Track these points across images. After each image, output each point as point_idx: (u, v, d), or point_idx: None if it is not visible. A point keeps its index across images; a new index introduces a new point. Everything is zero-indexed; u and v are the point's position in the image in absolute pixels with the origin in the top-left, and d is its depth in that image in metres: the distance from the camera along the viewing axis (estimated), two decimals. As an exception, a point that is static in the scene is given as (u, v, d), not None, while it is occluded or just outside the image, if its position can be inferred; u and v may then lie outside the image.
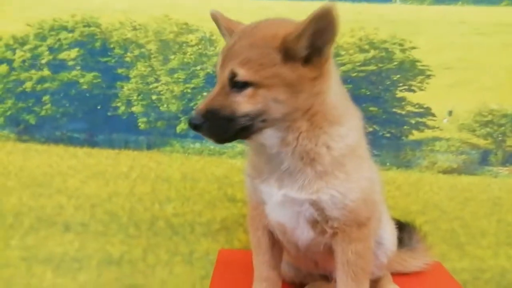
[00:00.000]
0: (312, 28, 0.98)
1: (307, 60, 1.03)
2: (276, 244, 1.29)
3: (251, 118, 1.04)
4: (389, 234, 1.45)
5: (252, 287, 1.31)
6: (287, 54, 1.02)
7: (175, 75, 1.94)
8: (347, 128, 1.12)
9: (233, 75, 1.03)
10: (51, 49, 1.94)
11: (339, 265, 1.19)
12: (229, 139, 1.08)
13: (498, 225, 1.95)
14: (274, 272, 1.30)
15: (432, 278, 1.65)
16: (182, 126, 1.95)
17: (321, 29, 0.98)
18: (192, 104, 1.94)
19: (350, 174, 1.12)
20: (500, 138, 1.92)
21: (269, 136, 1.09)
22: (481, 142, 1.93)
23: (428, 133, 1.93)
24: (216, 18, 1.19)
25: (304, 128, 1.08)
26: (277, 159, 1.12)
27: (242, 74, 1.02)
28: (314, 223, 1.16)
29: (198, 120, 1.03)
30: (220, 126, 1.05)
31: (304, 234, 1.19)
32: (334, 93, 1.10)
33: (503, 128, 1.91)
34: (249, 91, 1.03)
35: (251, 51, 1.03)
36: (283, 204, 1.15)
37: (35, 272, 1.99)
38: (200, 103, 1.06)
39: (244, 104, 1.03)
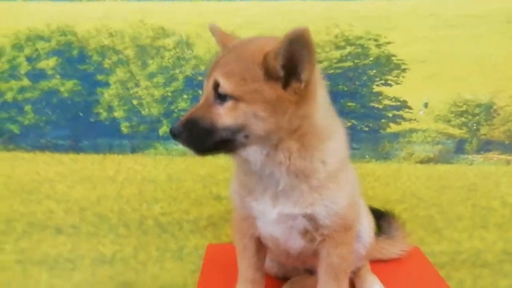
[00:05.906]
0: (285, 49, 0.98)
1: (287, 84, 1.03)
2: (261, 248, 1.32)
3: (232, 131, 1.04)
4: (367, 228, 1.49)
5: (237, 286, 1.35)
6: (268, 72, 1.01)
7: (155, 79, 1.94)
8: (338, 142, 1.15)
9: (216, 85, 1.03)
10: (29, 59, 1.93)
11: (322, 266, 1.23)
12: (209, 151, 1.08)
13: (473, 209, 2.01)
14: (259, 274, 1.34)
15: (410, 263, 1.69)
16: (165, 129, 1.97)
17: (294, 51, 0.98)
18: (172, 107, 1.95)
19: (340, 183, 1.16)
20: (474, 127, 1.96)
21: (253, 152, 1.08)
22: (457, 131, 1.97)
23: (405, 125, 1.95)
24: (213, 31, 1.19)
25: (295, 148, 1.08)
26: (270, 179, 1.13)
27: (225, 86, 1.02)
28: (305, 233, 1.19)
29: (177, 129, 1.04)
30: (199, 137, 1.05)
31: (296, 244, 1.22)
32: (321, 115, 1.09)
33: (477, 117, 1.95)
34: (230, 103, 1.02)
35: (236, 65, 1.03)
36: (277, 220, 1.17)
37: (31, 274, 2.04)
38: (185, 113, 1.07)
39: (225, 116, 1.03)
